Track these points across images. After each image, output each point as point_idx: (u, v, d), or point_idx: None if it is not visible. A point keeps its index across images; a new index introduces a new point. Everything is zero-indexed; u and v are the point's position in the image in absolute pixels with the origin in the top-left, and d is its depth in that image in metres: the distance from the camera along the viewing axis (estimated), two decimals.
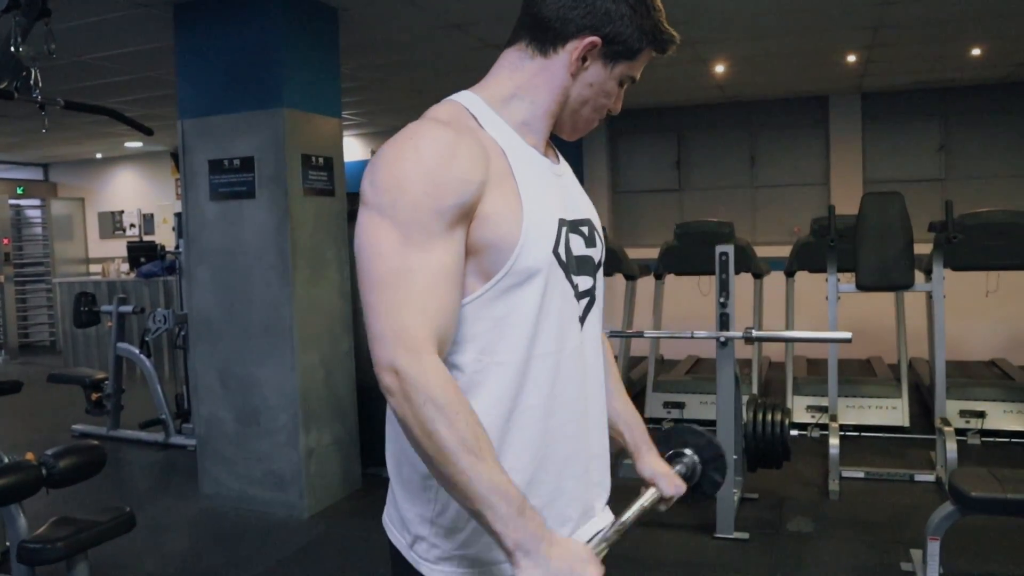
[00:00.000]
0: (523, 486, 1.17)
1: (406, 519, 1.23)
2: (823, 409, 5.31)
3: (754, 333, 3.61)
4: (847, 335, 3.49)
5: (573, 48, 1.21)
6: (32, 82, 3.00)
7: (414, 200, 1.09)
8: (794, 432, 5.37)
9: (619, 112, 1.34)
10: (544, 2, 1.22)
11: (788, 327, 5.89)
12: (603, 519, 1.34)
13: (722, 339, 3.70)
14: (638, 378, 6.63)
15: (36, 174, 11.92)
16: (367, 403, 4.63)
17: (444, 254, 1.10)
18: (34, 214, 10.92)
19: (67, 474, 3.25)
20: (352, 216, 1.18)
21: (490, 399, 1.17)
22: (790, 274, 6.03)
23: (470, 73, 1.54)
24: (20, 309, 10.66)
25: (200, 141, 4.34)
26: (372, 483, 4.68)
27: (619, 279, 6.46)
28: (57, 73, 5.68)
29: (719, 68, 6.47)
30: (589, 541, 1.19)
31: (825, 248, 4.76)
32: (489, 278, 1.15)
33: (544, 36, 1.22)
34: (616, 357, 5.92)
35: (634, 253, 7.30)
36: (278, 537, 4.04)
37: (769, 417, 4.02)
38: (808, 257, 5.77)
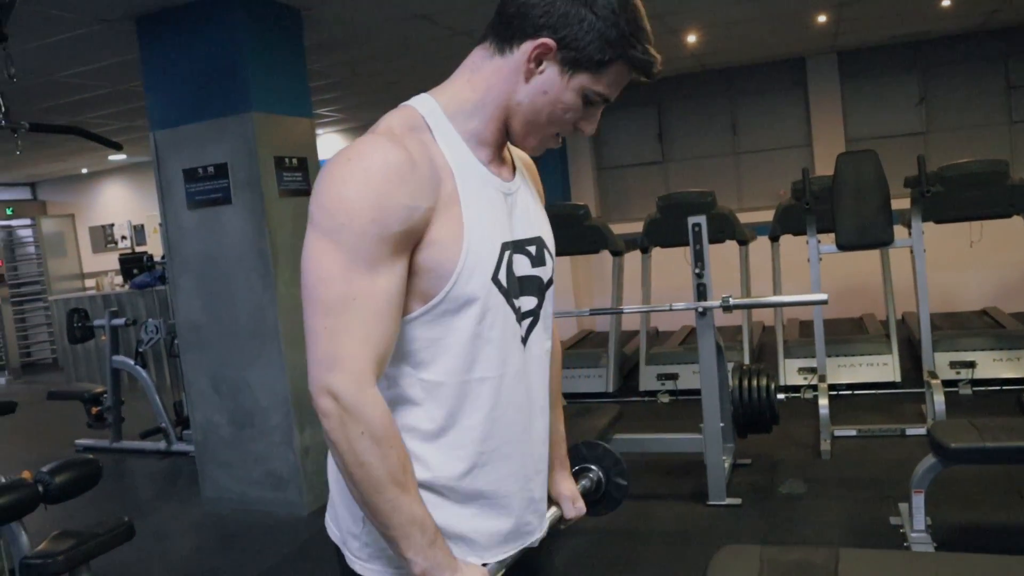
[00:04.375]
0: (452, 506, 1.21)
1: (340, 517, 1.27)
2: (814, 370, 5.35)
3: (731, 301, 3.63)
4: (823, 297, 3.51)
5: (529, 48, 1.15)
6: None
7: (361, 226, 1.07)
8: (786, 395, 5.42)
9: (594, 132, 1.27)
10: None
11: (775, 291, 5.93)
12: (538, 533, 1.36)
13: (700, 309, 3.73)
14: (631, 352, 6.67)
15: (24, 193, 11.95)
16: None
17: (388, 281, 1.10)
18: (25, 234, 10.94)
19: (63, 489, 3.30)
20: None
21: (416, 414, 1.19)
22: (774, 239, 6.05)
23: (443, 62, 1.54)
24: (20, 329, 10.72)
25: (173, 151, 4.36)
26: None
27: (607, 255, 6.50)
28: (32, 93, 5.71)
29: (691, 38, 6.47)
30: (485, 564, 1.23)
31: (795, 211, 4.78)
32: (427, 300, 1.15)
33: (504, 33, 1.18)
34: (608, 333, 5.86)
35: (622, 228, 7.33)
36: (279, 535, 4.10)
37: (755, 383, 4.05)
38: (791, 221, 5.79)
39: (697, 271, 3.75)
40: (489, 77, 1.20)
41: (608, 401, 5.93)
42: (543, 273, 1.30)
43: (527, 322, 1.28)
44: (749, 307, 4.32)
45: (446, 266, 1.14)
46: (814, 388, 5.21)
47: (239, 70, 4.14)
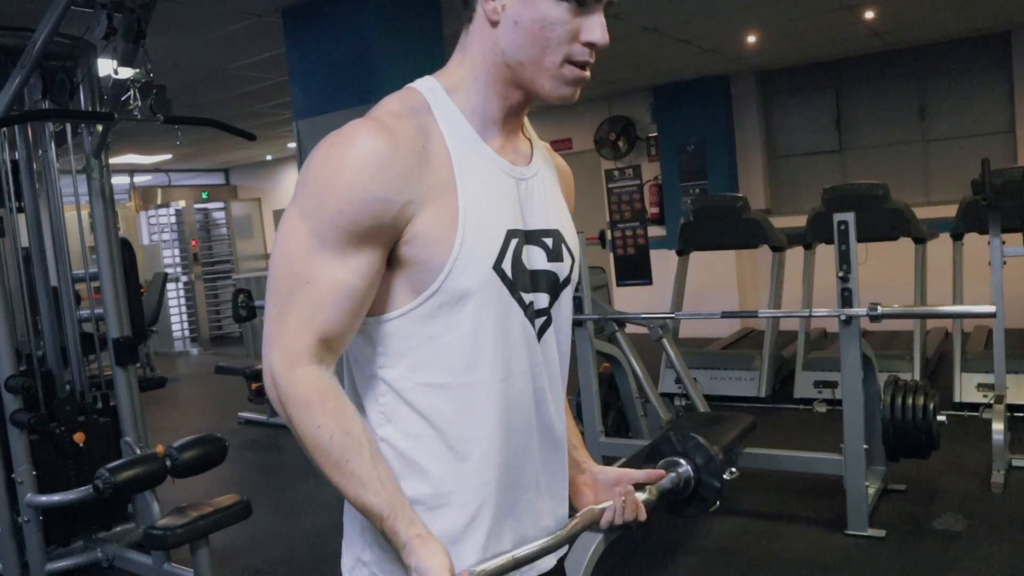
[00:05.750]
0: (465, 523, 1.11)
1: (349, 538, 1.19)
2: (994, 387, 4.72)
3: (880, 309, 3.23)
4: (991, 309, 3.06)
5: None
6: (134, 101, 3.18)
7: (330, 214, 1.04)
8: (961, 414, 4.84)
9: (607, 43, 1.12)
10: None
11: (955, 296, 5.29)
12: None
13: (843, 317, 3.34)
14: (789, 355, 6.21)
15: (219, 179, 12.92)
16: None
17: (351, 272, 1.05)
18: (219, 216, 11.80)
19: (190, 465, 3.46)
20: None
21: (420, 423, 1.11)
22: (957, 237, 5.40)
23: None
24: (211, 304, 11.61)
25: (314, 141, 4.39)
26: None
27: (766, 250, 6.10)
28: (201, 86, 6.09)
29: (869, 14, 5.88)
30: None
31: (981, 207, 4.21)
32: (419, 293, 1.08)
33: (463, 4, 1.14)
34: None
35: (792, 221, 6.84)
36: None
37: (911, 401, 3.60)
38: (976, 218, 5.13)
39: (841, 274, 3.36)
40: (470, 47, 1.14)
41: (758, 407, 5.56)
42: (559, 270, 1.19)
43: (541, 321, 1.17)
44: (901, 316, 3.84)
45: (437, 260, 1.07)
46: (991, 407, 4.60)
47: (372, 60, 4.17)
